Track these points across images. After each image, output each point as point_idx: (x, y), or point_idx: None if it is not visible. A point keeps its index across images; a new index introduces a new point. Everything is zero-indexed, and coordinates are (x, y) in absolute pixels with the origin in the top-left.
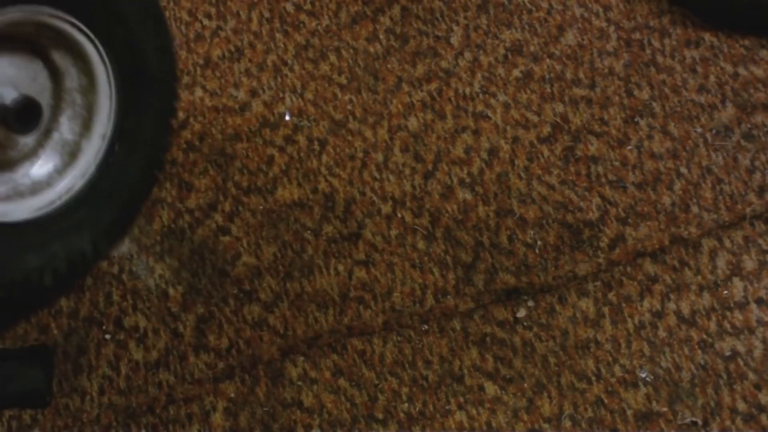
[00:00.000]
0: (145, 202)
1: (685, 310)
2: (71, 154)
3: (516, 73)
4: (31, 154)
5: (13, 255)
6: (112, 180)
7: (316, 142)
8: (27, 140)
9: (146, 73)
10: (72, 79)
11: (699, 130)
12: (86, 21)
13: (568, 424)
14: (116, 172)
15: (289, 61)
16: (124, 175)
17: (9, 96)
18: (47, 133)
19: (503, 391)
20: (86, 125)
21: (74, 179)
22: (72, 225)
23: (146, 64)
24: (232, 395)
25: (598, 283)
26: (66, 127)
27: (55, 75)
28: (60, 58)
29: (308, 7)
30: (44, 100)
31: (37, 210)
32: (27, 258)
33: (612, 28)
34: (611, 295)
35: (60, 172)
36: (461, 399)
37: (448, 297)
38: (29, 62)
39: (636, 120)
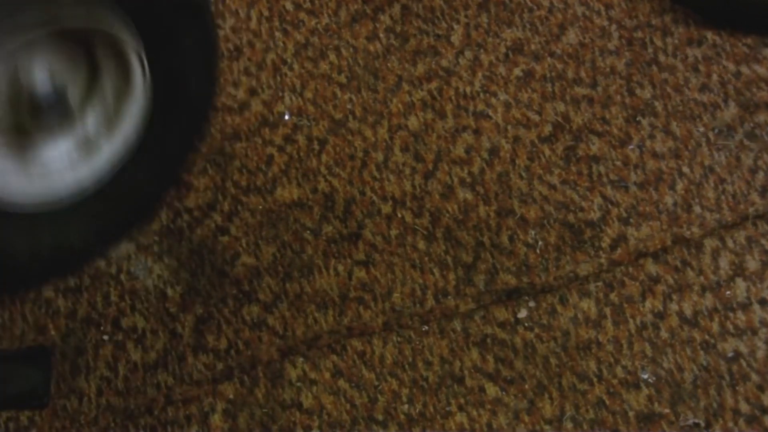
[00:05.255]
0: (151, 214)
1: (688, 311)
2: (89, 151)
3: (517, 72)
4: (50, 142)
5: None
6: (123, 185)
7: (315, 142)
8: (50, 126)
9: (184, 93)
10: (109, 79)
11: (701, 129)
12: (138, 24)
13: (569, 425)
14: (129, 178)
15: (289, 60)
16: (137, 183)
17: (43, 85)
18: (71, 126)
19: (504, 393)
20: (111, 127)
21: (86, 176)
22: (69, 218)
23: (186, 85)
24: (231, 396)
25: (600, 284)
26: (91, 124)
27: (94, 71)
28: (102, 56)
29: (308, 5)
30: (77, 91)
31: (40, 195)
32: (13, 236)
33: (613, 27)
34: (613, 296)
35: (74, 166)
36: (462, 400)
37: (449, 297)
38: (73, 52)
39: (638, 119)
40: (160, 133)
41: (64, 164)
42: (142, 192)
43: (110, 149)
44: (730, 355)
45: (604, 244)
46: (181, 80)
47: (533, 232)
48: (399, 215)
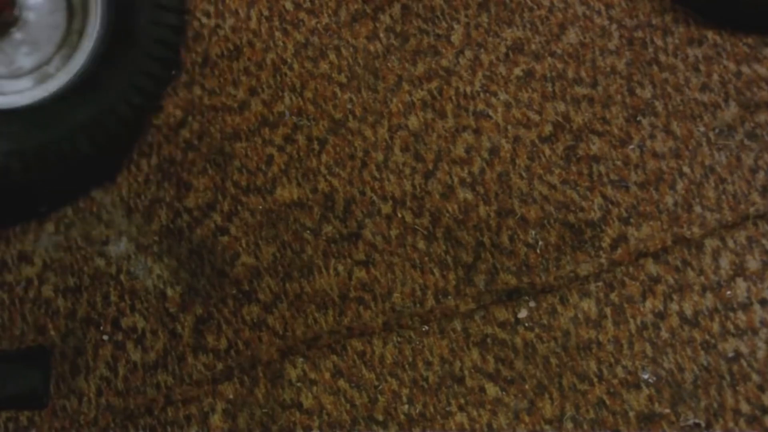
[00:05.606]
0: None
1: (688, 311)
2: (42, 80)
3: (517, 71)
4: (16, 76)
5: None
6: (66, 111)
7: (315, 142)
8: (22, 65)
9: (133, 40)
10: (77, 20)
11: (702, 129)
12: None
13: (569, 425)
14: (74, 106)
15: (289, 60)
16: (81, 113)
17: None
18: (39, 67)
19: (504, 393)
20: (67, 61)
21: (37, 97)
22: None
23: (137, 31)
24: (231, 396)
25: (600, 284)
26: (55, 63)
27: (70, 15)
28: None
29: (308, 5)
30: (54, 38)
31: None
32: None
33: (614, 27)
34: (613, 296)
35: (26, 90)
36: (462, 400)
37: (449, 297)
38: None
39: (638, 119)
40: (108, 70)
41: (19, 89)
42: (87, 125)
43: (62, 78)
44: (730, 355)
45: (604, 244)
46: (133, 19)
47: (533, 232)
48: (399, 215)
